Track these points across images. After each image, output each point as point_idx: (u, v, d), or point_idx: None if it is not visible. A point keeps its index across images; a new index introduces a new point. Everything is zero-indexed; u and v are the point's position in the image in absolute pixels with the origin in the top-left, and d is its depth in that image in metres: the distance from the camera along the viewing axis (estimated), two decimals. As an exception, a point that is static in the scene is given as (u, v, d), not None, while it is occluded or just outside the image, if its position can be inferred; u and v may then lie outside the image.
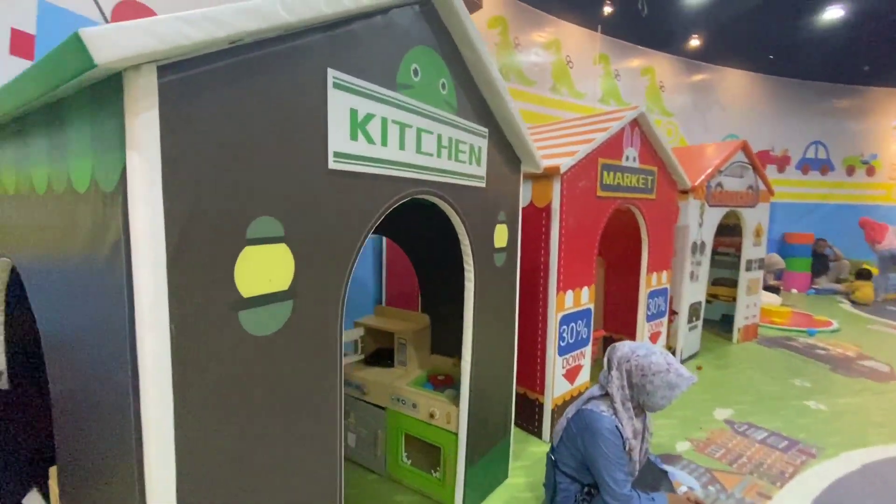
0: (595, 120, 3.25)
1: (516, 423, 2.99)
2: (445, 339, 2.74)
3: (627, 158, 3.16)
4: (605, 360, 1.91)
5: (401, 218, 2.80)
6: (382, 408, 2.41)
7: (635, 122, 3.18)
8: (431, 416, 2.22)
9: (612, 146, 3.01)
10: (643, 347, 1.82)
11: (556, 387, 2.85)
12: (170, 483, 0.88)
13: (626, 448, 1.79)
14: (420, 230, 2.69)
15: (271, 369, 1.07)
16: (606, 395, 1.85)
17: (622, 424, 1.78)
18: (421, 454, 2.31)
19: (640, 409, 1.86)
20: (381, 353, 2.70)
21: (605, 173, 2.97)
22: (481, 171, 1.94)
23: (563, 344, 2.84)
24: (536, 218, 2.77)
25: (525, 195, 2.80)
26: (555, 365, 2.80)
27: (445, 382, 2.35)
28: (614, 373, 1.83)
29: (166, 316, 0.85)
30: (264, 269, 1.03)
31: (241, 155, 0.97)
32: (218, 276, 0.94)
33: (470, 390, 2.03)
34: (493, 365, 2.22)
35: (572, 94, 6.28)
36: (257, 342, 1.03)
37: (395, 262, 3.92)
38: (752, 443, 2.85)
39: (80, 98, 0.92)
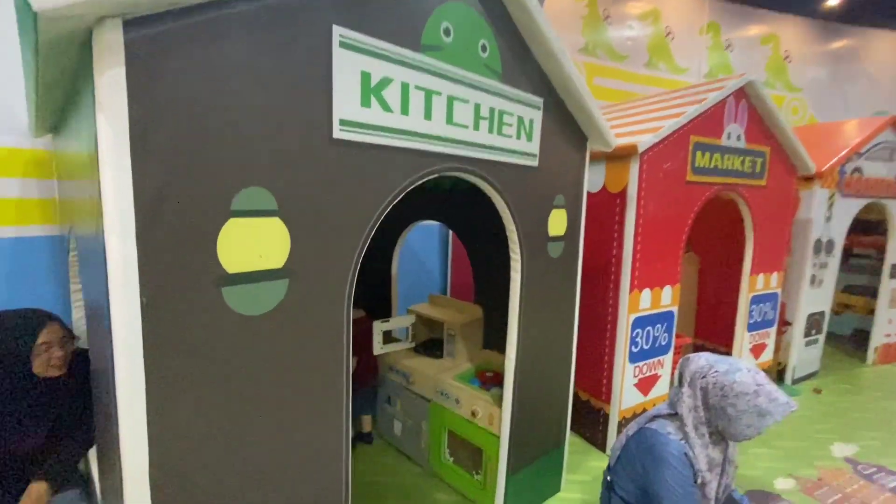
0: (688, 92, 2.78)
1: (576, 432, 2.73)
2: (500, 334, 2.56)
3: (729, 137, 2.66)
4: (677, 373, 1.60)
5: (453, 202, 2.67)
6: (427, 399, 2.31)
7: (741, 93, 2.66)
8: (473, 414, 2.07)
9: (709, 122, 2.54)
10: (725, 362, 1.48)
11: (626, 397, 2.52)
12: (142, 467, 0.85)
13: (698, 481, 1.47)
14: (473, 215, 2.52)
15: (263, 351, 1.00)
16: (676, 415, 1.55)
17: (693, 452, 1.47)
18: (464, 453, 2.17)
19: (720, 437, 1.52)
20: (431, 343, 2.60)
21: (699, 154, 2.53)
22: (533, 147, 1.71)
23: (635, 350, 2.49)
24: (609, 205, 2.45)
25: (595, 178, 2.48)
26: (624, 372, 2.47)
27: (493, 380, 2.18)
28: (686, 389, 1.52)
29: (136, 286, 0.81)
30: (253, 244, 0.96)
31: (224, 120, 0.90)
32: (197, 248, 0.89)
33: (514, 391, 1.84)
34: (545, 365, 1.99)
35: (672, 70, 5.57)
36: (246, 321, 0.97)
37: (461, 251, 3.80)
38: (880, 490, 2.26)
39: (84, 65, 0.91)
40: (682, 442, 1.47)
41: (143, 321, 0.82)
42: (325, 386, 1.13)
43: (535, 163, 1.74)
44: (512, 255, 1.78)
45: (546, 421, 2.08)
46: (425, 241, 3.93)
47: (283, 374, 1.05)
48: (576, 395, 2.69)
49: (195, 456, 0.92)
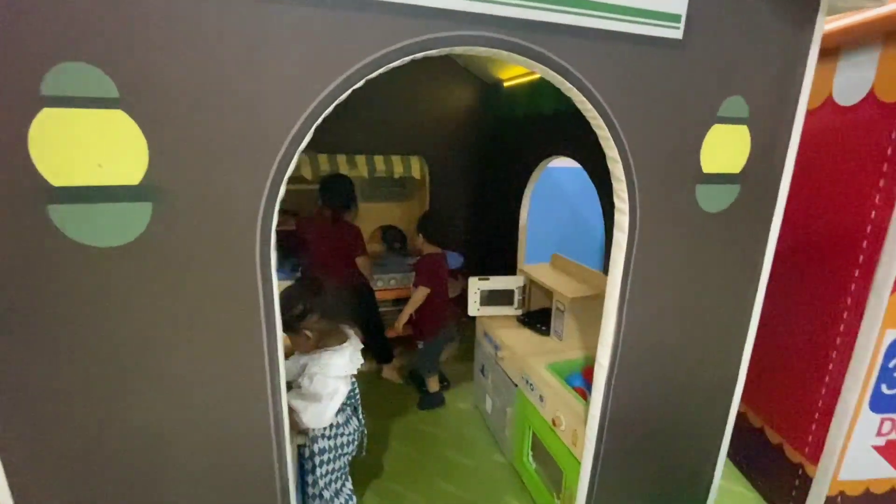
0: None
1: (746, 473, 1.82)
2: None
3: None
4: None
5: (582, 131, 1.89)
6: (515, 384, 1.83)
7: None
8: (554, 423, 1.50)
9: None
10: None
11: (855, 463, 1.50)
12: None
13: None
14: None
15: (125, 300, 0.75)
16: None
17: None
18: (547, 463, 1.65)
19: None
20: (543, 315, 2.04)
21: None
22: (674, 1, 0.93)
23: (887, 391, 1.41)
24: (872, 130, 1.33)
25: (850, 79, 1.38)
26: (856, 422, 1.45)
27: (601, 382, 1.53)
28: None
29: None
30: (85, 147, 0.68)
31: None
32: (4, 148, 0.65)
33: (604, 411, 1.21)
34: (676, 380, 1.26)
35: None
36: (93, 254, 0.72)
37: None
38: None
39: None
40: None
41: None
42: (227, 357, 0.82)
43: (677, 32, 0.95)
44: (617, 200, 1.08)
45: (672, 461, 1.35)
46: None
47: (161, 338, 0.78)
48: (746, 420, 1.78)
49: (46, 415, 0.76)
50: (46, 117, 0.66)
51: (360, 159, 2.68)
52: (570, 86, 0.93)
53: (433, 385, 2.36)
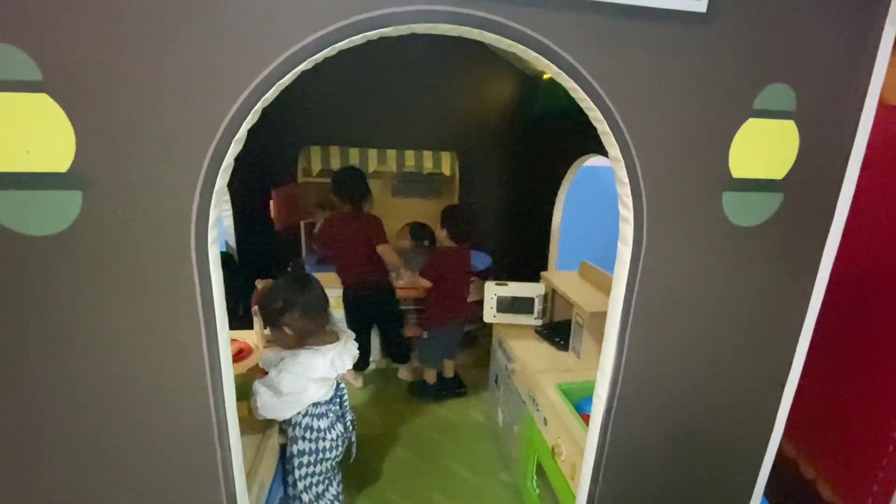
0: None
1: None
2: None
3: None
4: None
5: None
6: (523, 401, 1.69)
7: None
8: (554, 451, 1.35)
9: None
10: None
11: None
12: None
13: None
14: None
15: (57, 288, 0.73)
16: None
17: None
18: (551, 492, 1.50)
19: None
20: (563, 328, 1.87)
21: None
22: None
23: (985, 461, 1.11)
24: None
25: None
26: (936, 495, 1.16)
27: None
28: None
29: None
30: (12, 131, 0.66)
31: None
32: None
33: (601, 445, 1.05)
34: (691, 422, 1.07)
35: None
36: (26, 242, 0.70)
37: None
38: None
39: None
40: None
41: None
42: (165, 353, 0.78)
43: (699, 4, 0.78)
44: (621, 207, 0.92)
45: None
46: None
47: (97, 331, 0.76)
48: (791, 463, 1.52)
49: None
50: (-31, 101, 0.65)
51: (391, 154, 2.64)
52: (557, 69, 0.79)
53: (430, 377, 2.32)
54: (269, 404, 1.18)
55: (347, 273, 2.22)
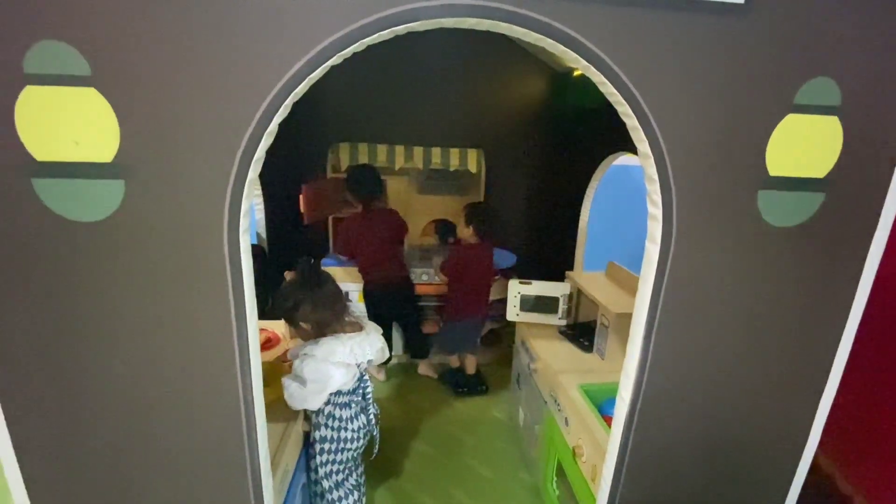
0: None
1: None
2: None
3: None
4: None
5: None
6: (545, 401, 1.67)
7: None
8: (575, 452, 1.34)
9: None
10: None
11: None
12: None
13: None
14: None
15: (99, 271, 0.77)
16: None
17: None
18: (571, 494, 1.48)
19: None
20: (587, 329, 1.85)
21: None
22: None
23: None
24: None
25: None
26: None
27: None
28: None
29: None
30: (63, 123, 0.70)
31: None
32: (-5, 121, 0.70)
33: (623, 448, 1.03)
34: (719, 429, 1.04)
35: None
36: (73, 227, 0.74)
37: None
38: None
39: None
40: None
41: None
42: (196, 335, 0.82)
43: (737, -3, 0.75)
44: (650, 205, 0.90)
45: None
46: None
47: (134, 313, 0.80)
48: (827, 478, 1.46)
49: (34, 376, 0.81)
50: (29, 95, 0.69)
51: (418, 151, 2.66)
52: (586, 62, 0.77)
53: (453, 362, 2.40)
54: (297, 394, 1.21)
55: (368, 269, 2.25)
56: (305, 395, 1.22)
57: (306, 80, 0.73)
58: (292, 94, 0.74)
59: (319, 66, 0.72)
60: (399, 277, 2.27)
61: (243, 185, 0.76)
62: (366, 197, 2.18)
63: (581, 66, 0.80)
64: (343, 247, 2.29)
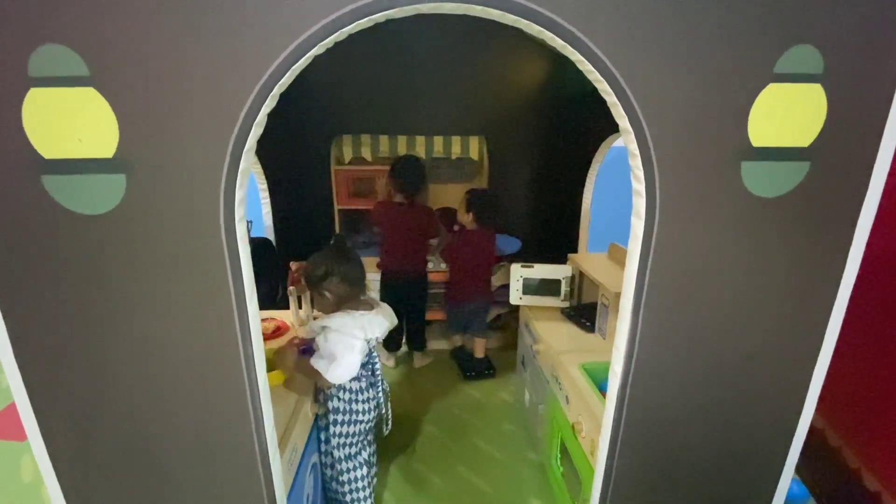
0: None
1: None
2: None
3: None
4: None
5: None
6: (547, 380, 1.70)
7: None
8: (574, 428, 1.37)
9: None
10: None
11: None
12: None
13: None
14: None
15: (106, 262, 0.82)
16: None
17: None
18: (570, 467, 1.52)
19: None
20: (590, 310, 1.86)
21: None
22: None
23: None
24: None
25: None
26: None
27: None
28: None
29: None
30: (67, 122, 0.75)
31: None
32: (3, 124, 0.74)
33: (617, 421, 1.06)
34: (710, 400, 1.06)
35: None
36: (82, 221, 0.79)
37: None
38: None
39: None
40: None
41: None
42: (199, 322, 0.87)
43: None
44: (633, 180, 0.92)
45: (707, 497, 1.15)
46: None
47: (139, 302, 0.85)
48: (841, 459, 1.46)
49: (50, 366, 0.87)
50: (34, 96, 0.74)
51: (420, 140, 2.68)
52: (562, 41, 0.79)
53: (457, 341, 2.49)
54: (335, 369, 1.28)
55: (391, 259, 2.28)
56: (345, 366, 1.28)
57: (290, 70, 0.76)
58: (278, 85, 0.77)
59: (302, 56, 0.75)
60: (417, 274, 2.31)
61: (236, 175, 0.80)
62: (408, 189, 2.18)
63: (558, 46, 0.81)
64: (375, 224, 2.33)
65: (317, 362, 1.30)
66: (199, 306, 0.86)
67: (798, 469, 1.15)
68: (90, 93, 0.74)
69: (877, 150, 0.88)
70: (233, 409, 0.93)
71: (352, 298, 1.39)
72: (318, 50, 0.76)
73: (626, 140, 0.88)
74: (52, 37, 0.72)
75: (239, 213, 0.83)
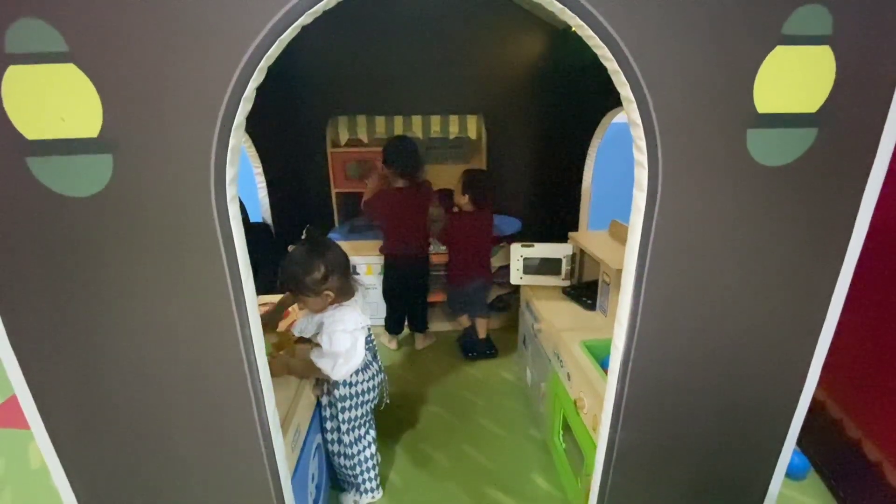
0: None
1: (825, 479, 1.51)
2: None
3: None
4: None
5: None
6: (549, 358, 1.70)
7: None
8: (576, 404, 1.37)
9: None
10: None
11: None
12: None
13: None
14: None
15: (96, 245, 0.80)
16: None
17: None
18: (573, 443, 1.53)
19: None
20: (590, 288, 1.85)
21: None
22: None
23: None
24: None
25: None
26: None
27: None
28: None
29: None
30: (48, 101, 0.72)
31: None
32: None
33: (619, 395, 1.06)
34: (713, 373, 1.05)
35: None
36: (69, 203, 0.77)
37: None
38: None
39: None
40: None
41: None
42: (195, 303, 0.85)
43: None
44: (635, 151, 0.89)
45: (709, 469, 1.16)
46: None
47: (132, 284, 0.83)
48: (842, 430, 1.47)
49: (48, 350, 0.86)
50: (13, 74, 0.71)
51: (416, 120, 2.63)
52: (561, 6, 0.76)
53: (464, 322, 2.44)
54: (341, 368, 1.27)
55: (394, 244, 2.26)
56: (350, 364, 1.28)
57: (277, 41, 0.73)
58: (266, 57, 0.74)
59: (288, 27, 0.72)
60: (420, 256, 2.30)
61: (226, 152, 0.78)
62: (403, 171, 2.12)
63: (556, 10, 0.78)
64: (371, 212, 2.25)
65: (320, 361, 1.28)
66: (194, 286, 0.85)
67: (798, 440, 1.15)
68: (70, 69, 0.71)
69: (886, 115, 0.86)
70: (233, 390, 0.93)
71: (347, 288, 1.35)
72: (305, 19, 0.73)
73: (627, 109, 0.85)
74: (29, 10, 0.68)
75: (231, 191, 0.81)
